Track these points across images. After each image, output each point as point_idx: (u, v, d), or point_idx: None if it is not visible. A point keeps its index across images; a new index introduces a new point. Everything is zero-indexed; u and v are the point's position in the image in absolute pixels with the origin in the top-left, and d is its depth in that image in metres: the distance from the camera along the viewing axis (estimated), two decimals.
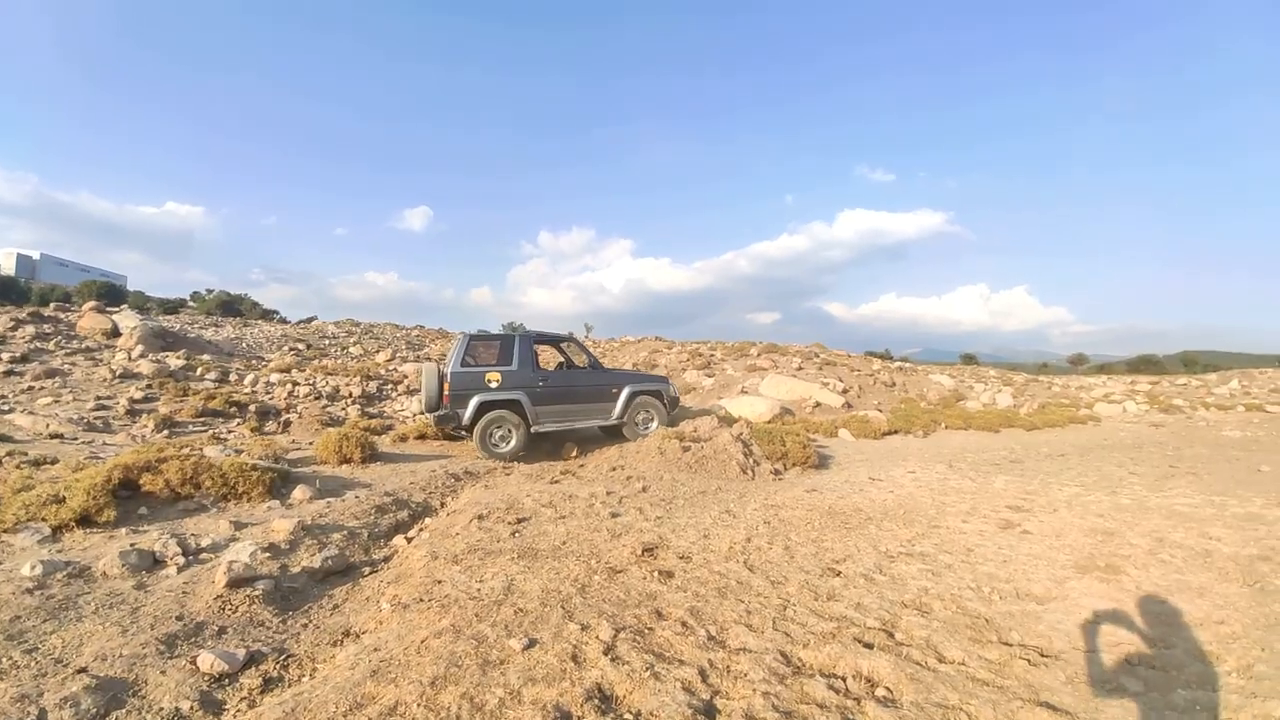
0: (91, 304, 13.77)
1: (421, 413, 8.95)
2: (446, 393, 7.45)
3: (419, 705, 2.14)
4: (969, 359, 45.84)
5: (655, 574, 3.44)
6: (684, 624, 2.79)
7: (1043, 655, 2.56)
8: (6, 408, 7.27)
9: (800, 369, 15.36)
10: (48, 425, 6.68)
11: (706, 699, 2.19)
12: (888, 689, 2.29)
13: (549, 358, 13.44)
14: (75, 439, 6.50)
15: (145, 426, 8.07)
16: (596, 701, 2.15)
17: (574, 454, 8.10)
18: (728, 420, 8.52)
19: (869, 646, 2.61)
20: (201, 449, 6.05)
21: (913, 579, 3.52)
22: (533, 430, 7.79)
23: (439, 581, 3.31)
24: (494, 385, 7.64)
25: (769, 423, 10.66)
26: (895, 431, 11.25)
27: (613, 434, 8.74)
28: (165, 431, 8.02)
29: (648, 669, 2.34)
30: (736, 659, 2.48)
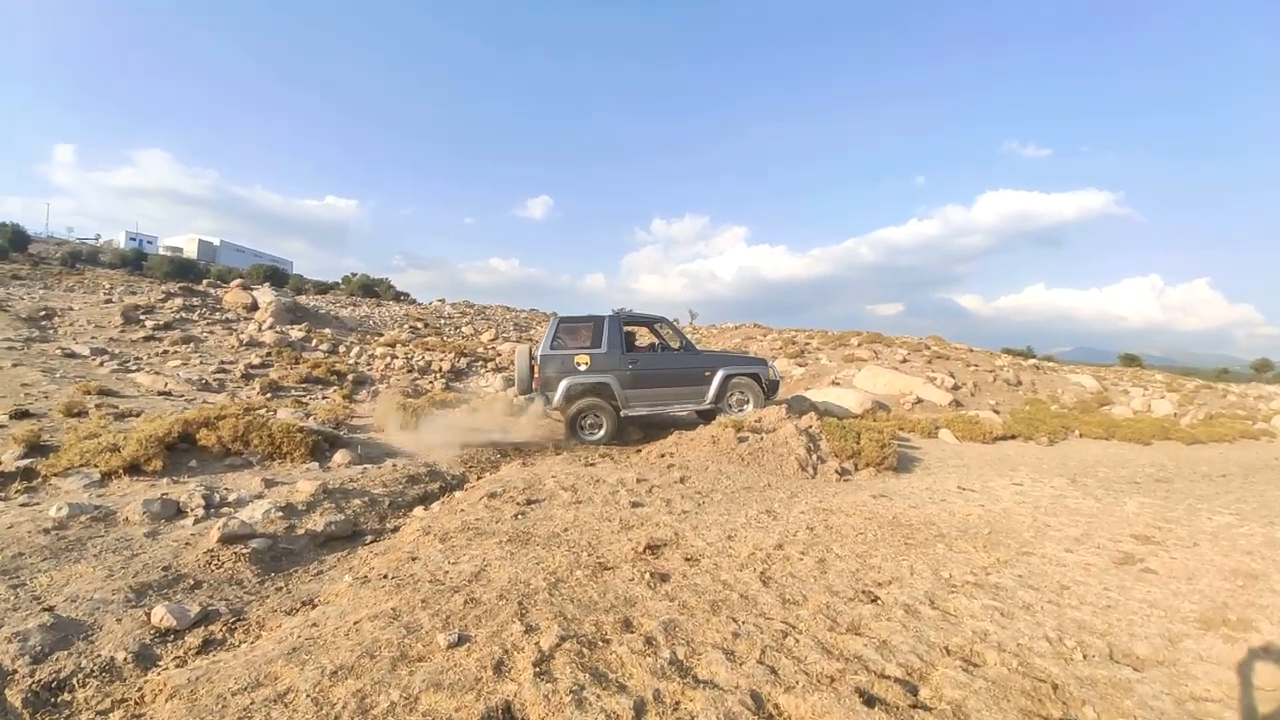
0: (238, 280, 15.64)
1: (516, 396, 8.99)
2: (536, 375, 7.41)
3: (308, 696, 1.91)
4: (1130, 360, 39.72)
5: (647, 575, 3.01)
6: (650, 640, 2.34)
7: None
8: (135, 367, 8.35)
9: (904, 361, 13.83)
10: (166, 384, 7.56)
11: None
12: None
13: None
14: (182, 396, 7.29)
15: (254, 389, 8.91)
16: None
17: (636, 439, 7.78)
18: (798, 411, 7.74)
19: (871, 703, 2.00)
20: (275, 410, 6.46)
21: (971, 618, 2.77)
22: (622, 415, 7.54)
23: (414, 558, 3.12)
24: (583, 368, 7.46)
25: (858, 418, 9.64)
26: (1013, 436, 9.71)
27: (711, 420, 8.30)
28: (269, 394, 8.79)
29: (573, 693, 1.94)
30: (692, 695, 1.99)
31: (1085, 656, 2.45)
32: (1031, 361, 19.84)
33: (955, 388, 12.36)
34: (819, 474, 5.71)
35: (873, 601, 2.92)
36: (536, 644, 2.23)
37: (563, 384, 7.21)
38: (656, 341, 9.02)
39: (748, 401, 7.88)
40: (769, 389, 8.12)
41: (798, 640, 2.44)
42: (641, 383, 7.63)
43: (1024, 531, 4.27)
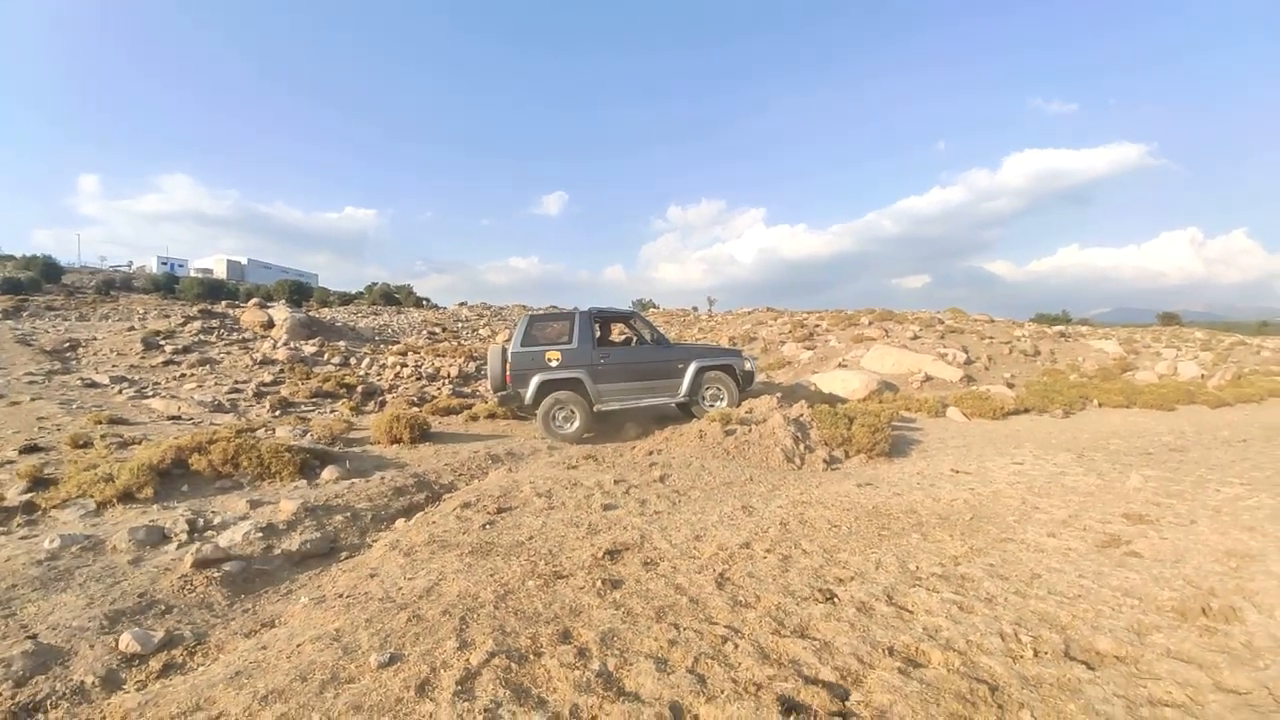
0: (254, 300, 16.08)
1: (489, 393, 9.17)
2: (508, 372, 7.52)
3: None
4: (1169, 319, 38.19)
5: (600, 582, 3.01)
6: (582, 652, 2.35)
7: None
8: (150, 392, 8.68)
9: (915, 338, 13.51)
10: (179, 408, 7.84)
11: None
12: None
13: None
14: (191, 419, 7.55)
15: (264, 407, 9.18)
16: None
17: (633, 436, 7.81)
18: (794, 399, 7.64)
19: (791, 711, 1.98)
20: (274, 430, 6.64)
21: (925, 614, 2.71)
22: (595, 409, 7.61)
23: (373, 575, 3.18)
24: (554, 364, 7.55)
25: (862, 400, 9.48)
26: (1026, 410, 9.43)
27: (690, 413, 8.34)
28: (278, 411, 9.05)
29: (487, 711, 1.96)
30: (610, 710, 1.99)
31: (1037, 654, 2.37)
32: (1057, 328, 19.18)
33: (968, 362, 12.03)
34: (805, 464, 5.63)
35: (828, 600, 2.88)
36: (466, 661, 2.25)
37: (534, 380, 7.29)
38: (631, 335, 9.06)
39: (721, 397, 7.88)
40: (743, 380, 8.10)
41: (737, 646, 2.42)
42: (613, 377, 7.69)
43: (1008, 516, 4.15)
